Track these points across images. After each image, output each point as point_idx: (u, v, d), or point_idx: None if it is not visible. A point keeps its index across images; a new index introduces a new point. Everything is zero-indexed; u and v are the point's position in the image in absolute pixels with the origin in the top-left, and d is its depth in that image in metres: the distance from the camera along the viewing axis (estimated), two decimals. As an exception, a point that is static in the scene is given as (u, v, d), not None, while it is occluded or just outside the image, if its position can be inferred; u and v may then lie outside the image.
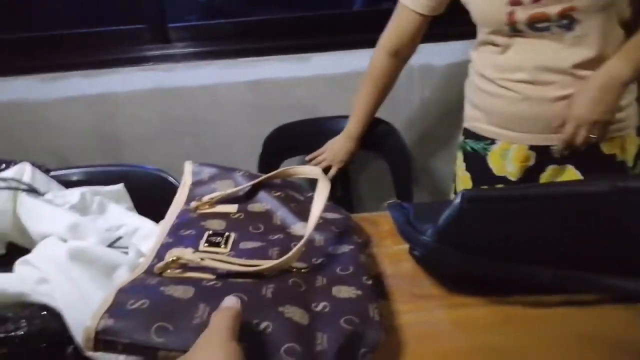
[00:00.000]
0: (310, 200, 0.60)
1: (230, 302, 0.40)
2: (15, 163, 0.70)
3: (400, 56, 1.21)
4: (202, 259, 0.47)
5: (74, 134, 1.50)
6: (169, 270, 0.47)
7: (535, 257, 0.57)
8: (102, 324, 0.39)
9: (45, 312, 0.49)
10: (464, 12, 1.05)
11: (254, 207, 0.63)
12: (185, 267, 0.48)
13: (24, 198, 0.62)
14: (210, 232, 0.55)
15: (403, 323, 0.55)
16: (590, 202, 0.58)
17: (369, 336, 0.43)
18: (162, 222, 0.58)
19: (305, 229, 0.55)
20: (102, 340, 0.39)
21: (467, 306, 0.57)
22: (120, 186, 0.71)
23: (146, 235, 0.61)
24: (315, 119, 1.49)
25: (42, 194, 0.64)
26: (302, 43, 1.50)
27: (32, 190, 0.63)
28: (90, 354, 0.50)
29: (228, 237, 0.54)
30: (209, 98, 1.50)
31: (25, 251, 0.58)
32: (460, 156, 1.18)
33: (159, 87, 1.47)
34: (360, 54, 1.48)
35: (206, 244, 0.53)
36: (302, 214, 0.61)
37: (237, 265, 0.48)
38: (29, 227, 0.60)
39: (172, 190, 0.65)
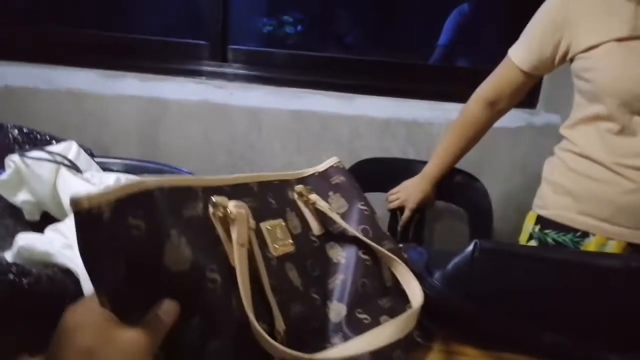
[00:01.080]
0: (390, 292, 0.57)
1: (168, 310, 0.37)
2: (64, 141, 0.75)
3: (497, 108, 1.12)
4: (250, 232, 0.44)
5: (119, 131, 1.57)
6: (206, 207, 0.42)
7: (539, 318, 0.57)
8: (101, 209, 0.33)
9: (65, 275, 0.52)
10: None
11: (333, 248, 0.58)
12: (223, 220, 0.43)
13: (65, 173, 0.66)
14: (283, 224, 0.51)
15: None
16: (602, 275, 0.58)
17: None
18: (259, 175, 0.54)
19: (338, 316, 0.52)
20: (84, 221, 0.33)
21: (463, 355, 0.57)
22: (154, 179, 0.75)
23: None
24: (399, 159, 1.47)
25: (82, 172, 0.68)
26: (349, 83, 1.55)
27: (73, 167, 0.67)
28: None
29: (285, 250, 0.49)
30: (252, 120, 1.55)
31: (57, 222, 0.62)
32: None
33: (206, 100, 1.54)
34: (402, 102, 1.53)
35: (269, 227, 0.49)
36: (361, 299, 0.55)
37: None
38: (64, 199, 0.64)
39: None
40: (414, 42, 2.11)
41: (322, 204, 0.57)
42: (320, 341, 0.49)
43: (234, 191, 0.47)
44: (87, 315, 0.36)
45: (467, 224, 1.38)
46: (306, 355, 0.41)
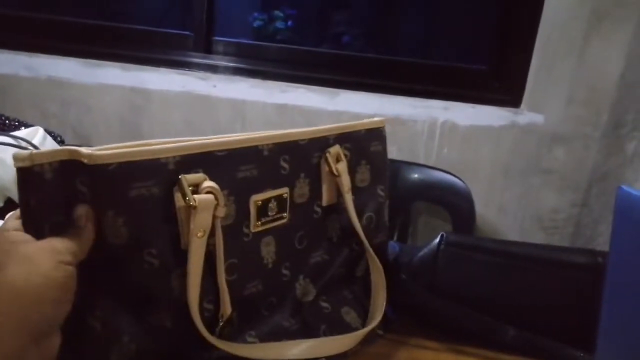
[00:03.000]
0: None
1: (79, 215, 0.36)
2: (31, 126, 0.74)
3: None
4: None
5: (101, 119, 1.55)
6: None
7: (503, 313, 0.57)
8: (44, 169, 0.36)
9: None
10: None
11: (333, 223, 0.55)
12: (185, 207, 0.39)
13: (30, 158, 0.65)
14: (284, 195, 0.47)
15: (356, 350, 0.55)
16: (567, 271, 0.58)
17: None
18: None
19: (304, 297, 0.52)
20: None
21: (423, 348, 0.57)
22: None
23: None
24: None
25: (48, 158, 0.67)
26: (334, 78, 1.54)
27: (39, 152, 0.66)
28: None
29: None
30: (236, 112, 1.54)
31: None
32: None
33: (189, 91, 1.53)
34: (386, 99, 1.52)
35: (260, 200, 0.45)
36: (330, 287, 0.55)
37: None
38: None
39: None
40: (408, 42, 2.11)
41: (344, 180, 0.51)
42: (276, 316, 0.48)
43: (228, 158, 0.43)
44: None
45: (450, 224, 1.38)
46: (228, 347, 0.41)
